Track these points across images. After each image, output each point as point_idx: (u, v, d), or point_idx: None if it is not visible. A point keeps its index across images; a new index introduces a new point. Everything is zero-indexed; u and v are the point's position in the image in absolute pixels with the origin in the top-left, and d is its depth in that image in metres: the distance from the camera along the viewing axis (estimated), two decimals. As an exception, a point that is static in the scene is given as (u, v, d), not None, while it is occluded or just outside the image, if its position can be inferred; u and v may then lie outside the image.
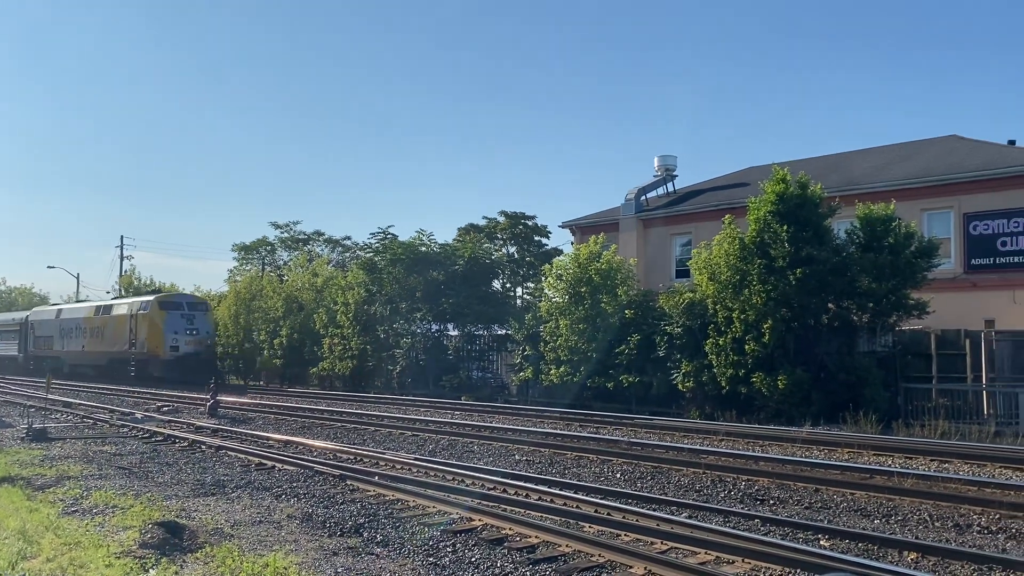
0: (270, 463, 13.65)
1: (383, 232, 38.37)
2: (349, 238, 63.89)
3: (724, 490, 11.52)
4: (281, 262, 62.81)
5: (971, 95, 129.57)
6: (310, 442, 16.42)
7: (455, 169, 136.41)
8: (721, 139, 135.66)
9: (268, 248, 64.66)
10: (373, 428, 19.41)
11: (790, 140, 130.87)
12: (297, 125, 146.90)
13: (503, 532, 8.67)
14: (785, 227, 21.10)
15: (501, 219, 56.70)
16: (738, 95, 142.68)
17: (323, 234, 64.31)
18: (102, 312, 44.91)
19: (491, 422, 20.38)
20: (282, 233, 64.41)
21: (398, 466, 13.39)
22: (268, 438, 17.38)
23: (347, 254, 60.95)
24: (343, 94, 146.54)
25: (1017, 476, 12.30)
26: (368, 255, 41.36)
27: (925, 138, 34.65)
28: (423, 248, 35.66)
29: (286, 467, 13.23)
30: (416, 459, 13.84)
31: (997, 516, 9.59)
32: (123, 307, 43.16)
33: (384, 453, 14.64)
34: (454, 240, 42.46)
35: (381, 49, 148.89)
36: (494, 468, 13.12)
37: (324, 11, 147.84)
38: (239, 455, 14.64)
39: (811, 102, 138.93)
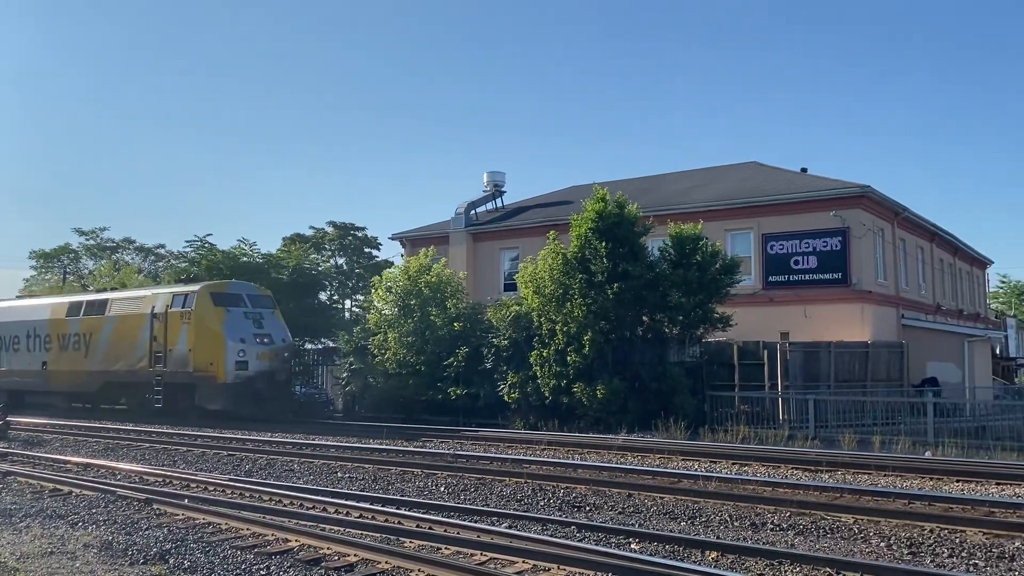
0: (67, 488, 12.59)
1: (200, 240, 36.50)
2: (163, 246, 60.53)
3: (544, 499, 11.81)
4: (86, 271, 58.42)
5: (769, 125, 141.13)
6: (114, 464, 15.32)
7: (281, 176, 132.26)
8: (548, 157, 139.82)
9: (71, 256, 59.97)
10: (185, 448, 18.38)
11: (612, 161, 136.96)
12: (106, 119, 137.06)
13: (321, 552, 8.46)
14: (604, 244, 22.03)
15: (330, 229, 55.59)
16: (564, 116, 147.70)
17: (133, 241, 60.56)
18: (89, 310, 29.14)
19: (313, 439, 19.85)
20: (87, 240, 60.00)
21: (211, 488, 12.74)
22: (66, 461, 16.04)
23: (160, 263, 57.62)
24: (157, 90, 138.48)
25: (806, 476, 13.42)
26: (183, 265, 39.25)
27: (729, 163, 37.30)
28: (244, 258, 34.32)
29: (85, 492, 12.26)
30: (231, 480, 13.24)
31: (788, 514, 10.41)
32: (134, 302, 27.84)
33: (196, 475, 13.90)
34: (279, 250, 41.09)
35: (198, 48, 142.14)
36: (314, 487, 12.78)
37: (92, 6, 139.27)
38: (30, 480, 13.41)
39: (632, 126, 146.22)
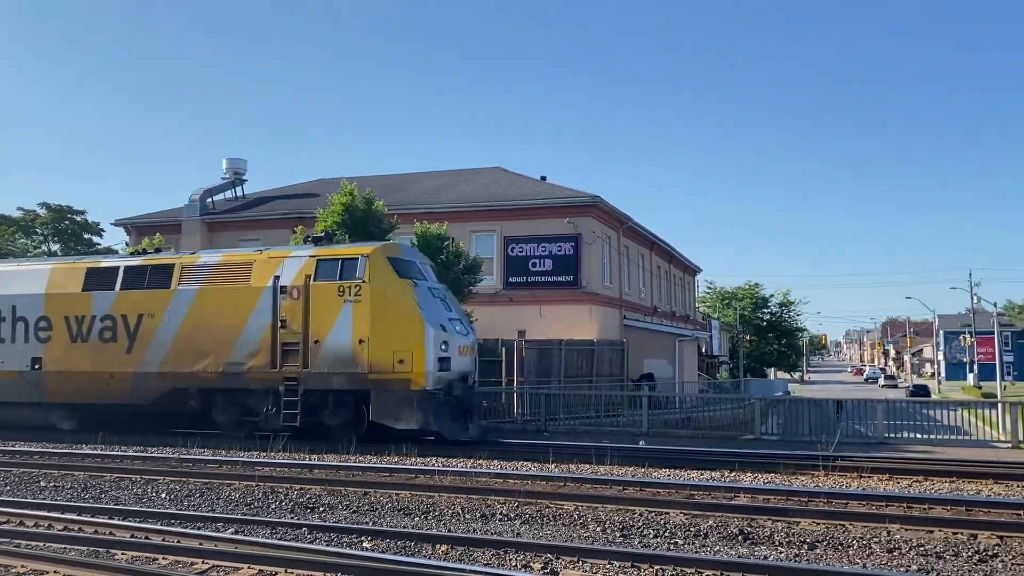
0: None
1: None
2: None
3: (276, 501, 11.40)
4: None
5: (513, 133, 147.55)
6: None
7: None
8: (295, 148, 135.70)
9: None
10: None
11: (365, 157, 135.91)
12: None
13: (13, 570, 7.54)
14: (351, 239, 21.76)
15: (42, 211, 49.94)
16: (315, 108, 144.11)
17: None
18: (133, 280, 19.07)
19: (13, 445, 17.65)
20: None
21: None
22: None
23: None
24: None
25: (535, 467, 14.11)
26: None
27: (476, 167, 38.42)
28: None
29: None
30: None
31: (516, 504, 10.90)
32: (233, 269, 18.41)
33: None
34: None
35: None
36: (12, 499, 11.38)
37: None
38: None
39: (387, 126, 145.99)
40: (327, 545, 8.48)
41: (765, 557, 8.23)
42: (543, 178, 35.32)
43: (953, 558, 8.24)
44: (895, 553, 8.43)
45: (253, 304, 17.67)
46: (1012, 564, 8.03)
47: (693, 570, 7.56)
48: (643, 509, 10.46)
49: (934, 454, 16.62)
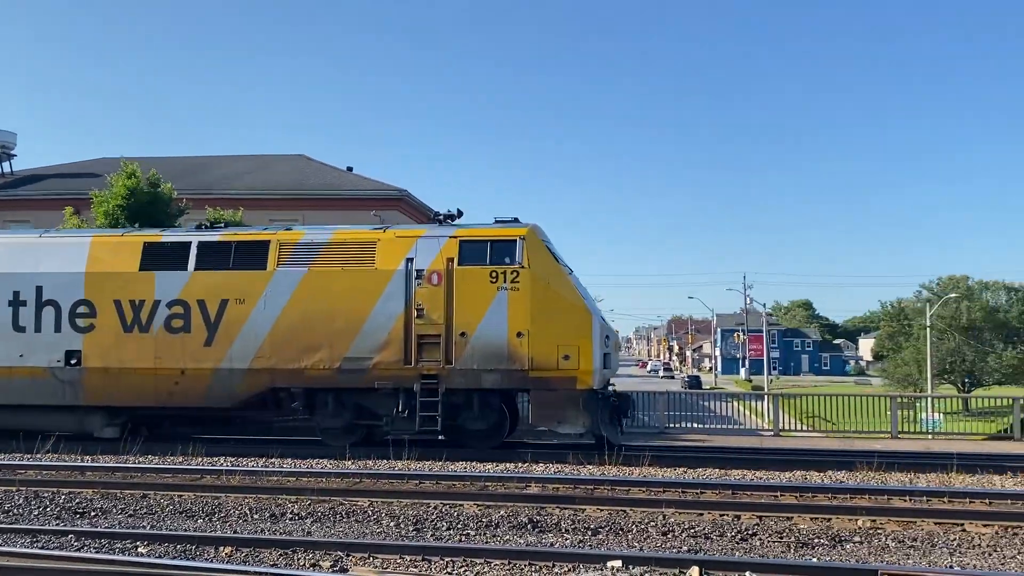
0: None
1: None
2: None
3: (40, 507, 10.42)
4: None
5: (317, 121, 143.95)
6: None
7: None
8: (73, 122, 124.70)
9: None
10: None
11: (154, 136, 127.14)
12: None
13: None
14: (137, 224, 20.31)
15: None
16: (92, 80, 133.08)
17: None
18: (215, 259, 15.91)
19: None
20: None
21: None
22: None
23: None
24: None
25: (330, 464, 13.80)
26: None
27: (279, 154, 37.14)
28: None
29: None
30: None
31: (308, 502, 10.62)
32: (352, 249, 15.61)
33: None
34: None
35: None
36: None
37: None
38: None
39: (177, 102, 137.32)
40: (97, 552, 7.86)
41: (551, 544, 8.55)
42: (350, 169, 34.77)
43: (719, 538, 8.96)
44: (669, 535, 9.04)
45: (380, 289, 15.12)
46: (768, 541, 8.85)
47: (482, 560, 7.71)
48: (438, 502, 10.55)
49: (708, 442, 18.03)
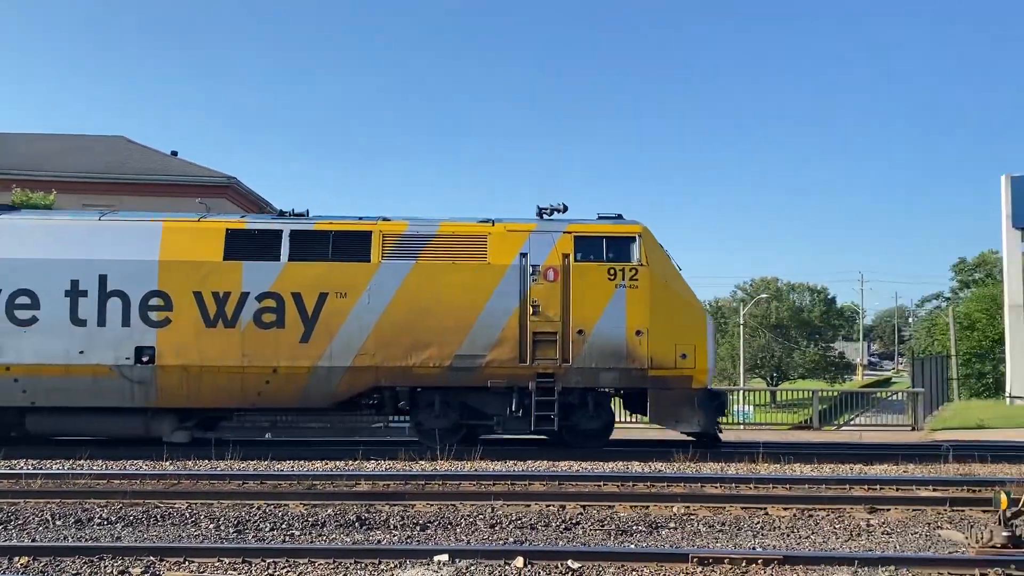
0: None
1: None
2: None
3: None
4: None
5: (139, 104, 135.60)
6: None
7: None
8: None
9: None
10: None
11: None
12: None
13: None
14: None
15: None
16: None
17: None
18: (313, 248, 14.46)
19: None
20: None
21: None
22: None
23: None
24: None
25: (146, 466, 13.01)
26: None
27: (96, 135, 34.64)
28: None
29: None
30: None
31: (120, 506, 9.97)
32: (463, 243, 14.70)
33: None
34: None
35: None
36: None
37: None
38: None
39: None
40: None
41: (379, 542, 8.47)
42: (174, 153, 32.93)
43: (544, 528, 9.20)
44: (497, 528, 9.19)
45: (493, 285, 14.50)
46: (591, 529, 9.18)
47: (306, 560, 7.53)
48: (262, 503, 10.19)
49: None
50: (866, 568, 7.43)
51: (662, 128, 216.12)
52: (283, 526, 9.18)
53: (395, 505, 10.12)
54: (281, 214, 15.43)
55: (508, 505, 10.18)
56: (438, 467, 12.92)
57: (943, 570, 7.48)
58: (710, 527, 9.34)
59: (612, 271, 14.66)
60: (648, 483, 11.53)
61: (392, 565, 7.49)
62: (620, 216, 15.54)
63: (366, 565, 7.47)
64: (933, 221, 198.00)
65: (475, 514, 9.73)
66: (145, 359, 14.35)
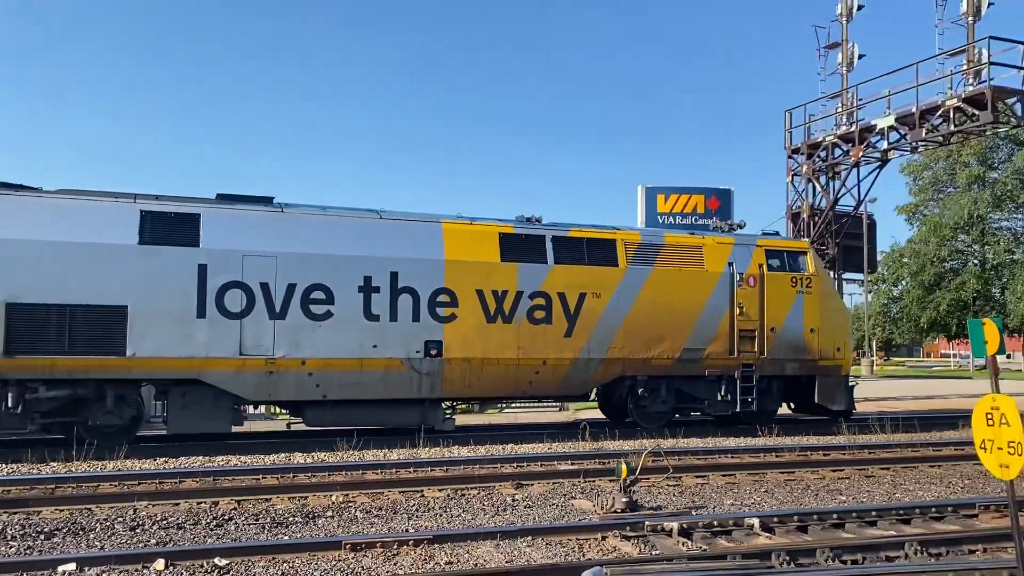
0: None
1: None
2: None
3: None
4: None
5: None
6: None
7: None
8: None
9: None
10: None
11: None
12: None
13: None
14: None
15: None
16: None
17: None
18: (568, 252, 16.29)
19: None
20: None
21: None
22: None
23: None
24: None
25: None
26: None
27: None
28: None
29: None
30: None
31: None
32: (684, 253, 17.25)
33: None
34: None
35: None
36: None
37: None
38: None
39: None
40: None
41: (-9, 556, 7.41)
42: None
43: (193, 527, 8.68)
44: (138, 530, 8.48)
45: (709, 289, 17.14)
46: (244, 524, 8.83)
47: None
48: None
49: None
50: (507, 540, 8.00)
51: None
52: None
53: (15, 513, 8.94)
54: (528, 220, 16.44)
55: (153, 505, 9.47)
56: (73, 469, 11.65)
57: (572, 536, 8.29)
58: (367, 513, 9.45)
59: (794, 279, 17.86)
60: (309, 473, 11.40)
61: (7, 581, 6.60)
62: (777, 233, 19.12)
63: (-29, 585, 6.51)
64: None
65: (114, 517, 8.91)
66: (433, 352, 15.05)
